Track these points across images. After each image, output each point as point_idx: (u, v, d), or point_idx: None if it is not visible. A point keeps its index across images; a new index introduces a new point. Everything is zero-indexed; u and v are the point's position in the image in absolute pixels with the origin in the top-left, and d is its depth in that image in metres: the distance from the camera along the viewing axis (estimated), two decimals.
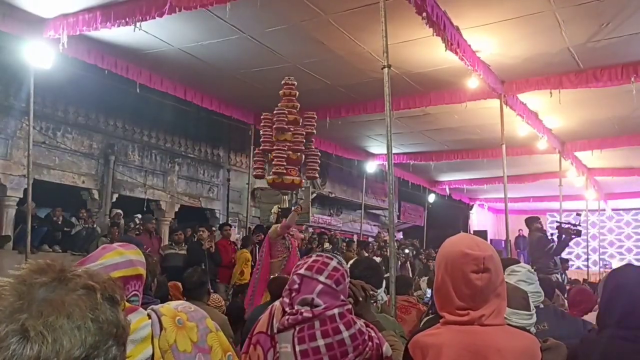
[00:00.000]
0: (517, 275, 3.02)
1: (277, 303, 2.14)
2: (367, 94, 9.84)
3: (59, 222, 9.18)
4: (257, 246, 9.89)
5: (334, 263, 2.11)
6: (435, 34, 6.67)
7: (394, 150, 13.84)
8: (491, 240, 22.03)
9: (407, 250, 13.41)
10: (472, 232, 22.17)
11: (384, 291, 3.34)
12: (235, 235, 13.22)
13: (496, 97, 9.33)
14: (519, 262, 3.21)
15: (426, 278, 5.67)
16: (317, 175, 7.57)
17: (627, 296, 2.00)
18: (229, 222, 13.30)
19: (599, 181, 17.17)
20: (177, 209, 12.24)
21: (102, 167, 10.66)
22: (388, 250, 5.91)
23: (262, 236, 9.83)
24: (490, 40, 7.72)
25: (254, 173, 7.52)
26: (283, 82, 7.53)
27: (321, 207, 16.64)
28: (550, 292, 4.11)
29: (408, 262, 13.45)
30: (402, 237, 20.11)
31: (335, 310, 2.01)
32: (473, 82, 8.40)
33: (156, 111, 11.10)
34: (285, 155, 7.03)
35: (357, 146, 14.19)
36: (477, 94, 9.14)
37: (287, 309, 2.06)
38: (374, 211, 18.94)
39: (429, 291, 4.83)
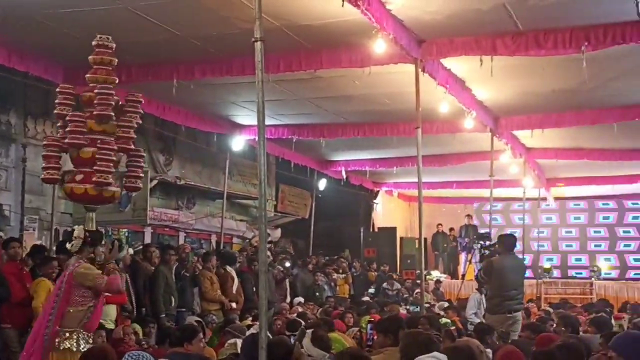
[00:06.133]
0: None
1: None
2: (233, 50, 9.83)
3: None
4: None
5: None
6: None
7: (271, 122, 14.28)
8: (401, 238, 23.03)
9: (287, 264, 13.66)
10: (376, 228, 23.02)
11: None
12: (34, 240, 12.76)
13: (410, 61, 9.69)
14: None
15: (309, 331, 5.81)
16: (139, 184, 7.52)
17: None
18: (26, 221, 12.81)
19: (540, 164, 18.48)
20: None
21: None
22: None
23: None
24: None
25: (43, 175, 7.22)
26: (94, 42, 7.27)
27: (165, 198, 16.41)
28: None
29: (287, 280, 13.70)
30: (280, 235, 20.41)
31: None
32: (380, 46, 8.65)
33: None
34: (112, 157, 6.89)
35: (218, 115, 14.21)
36: (385, 57, 9.41)
37: None
38: (241, 201, 19.01)
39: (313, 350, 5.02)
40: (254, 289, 12.17)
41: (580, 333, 8.52)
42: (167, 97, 11.80)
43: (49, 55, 10.43)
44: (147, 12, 8.71)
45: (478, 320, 9.93)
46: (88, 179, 6.93)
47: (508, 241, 10.20)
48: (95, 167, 6.84)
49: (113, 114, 7.07)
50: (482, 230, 20.08)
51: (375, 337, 5.71)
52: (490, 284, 9.84)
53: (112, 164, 6.94)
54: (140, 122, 7.45)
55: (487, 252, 10.78)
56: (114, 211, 12.29)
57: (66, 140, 7.03)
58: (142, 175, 7.57)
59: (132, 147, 7.39)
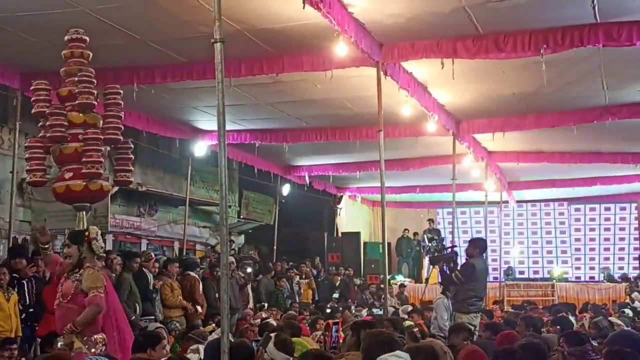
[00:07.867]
0: None
1: None
2: (194, 54, 9.85)
3: None
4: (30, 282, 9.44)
5: None
6: None
7: (233, 127, 14.22)
8: (365, 243, 23.09)
9: (249, 269, 13.61)
10: (340, 233, 23.04)
11: None
12: None
13: (372, 65, 9.74)
14: None
15: (273, 335, 5.77)
16: (130, 177, 7.49)
17: None
18: None
19: (502, 167, 18.69)
20: None
21: None
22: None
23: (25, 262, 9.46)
24: None
25: (30, 179, 7.31)
26: (67, 37, 7.23)
27: (126, 205, 16.28)
28: None
29: (249, 286, 13.63)
30: (243, 242, 20.35)
31: None
32: (341, 49, 8.68)
33: None
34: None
35: (180, 120, 14.14)
36: (347, 60, 9.46)
37: None
38: (204, 207, 18.93)
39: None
40: (216, 294, 12.09)
41: (543, 333, 8.65)
42: (128, 102, 11.58)
43: (4, 60, 10.32)
44: (106, 16, 8.66)
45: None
46: (77, 175, 6.92)
47: (481, 245, 10.56)
48: (83, 159, 6.87)
49: (95, 102, 7.05)
50: (443, 235, 20.37)
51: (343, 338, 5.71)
52: (465, 285, 10.03)
53: (100, 154, 6.98)
54: (121, 115, 7.44)
55: (437, 253, 10.96)
56: (74, 218, 12.12)
57: (47, 135, 6.99)
58: (131, 166, 7.49)
59: (120, 138, 7.43)
